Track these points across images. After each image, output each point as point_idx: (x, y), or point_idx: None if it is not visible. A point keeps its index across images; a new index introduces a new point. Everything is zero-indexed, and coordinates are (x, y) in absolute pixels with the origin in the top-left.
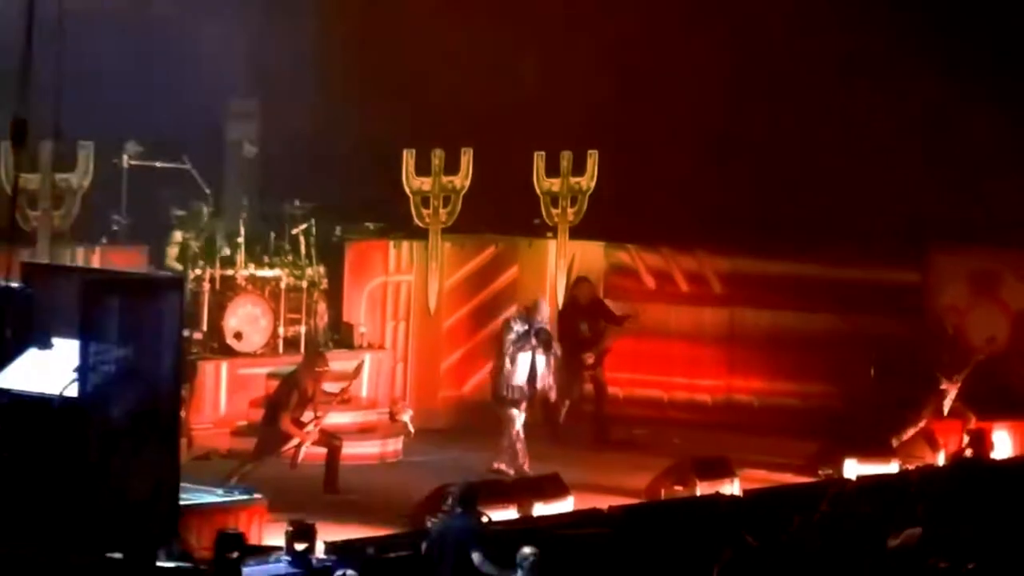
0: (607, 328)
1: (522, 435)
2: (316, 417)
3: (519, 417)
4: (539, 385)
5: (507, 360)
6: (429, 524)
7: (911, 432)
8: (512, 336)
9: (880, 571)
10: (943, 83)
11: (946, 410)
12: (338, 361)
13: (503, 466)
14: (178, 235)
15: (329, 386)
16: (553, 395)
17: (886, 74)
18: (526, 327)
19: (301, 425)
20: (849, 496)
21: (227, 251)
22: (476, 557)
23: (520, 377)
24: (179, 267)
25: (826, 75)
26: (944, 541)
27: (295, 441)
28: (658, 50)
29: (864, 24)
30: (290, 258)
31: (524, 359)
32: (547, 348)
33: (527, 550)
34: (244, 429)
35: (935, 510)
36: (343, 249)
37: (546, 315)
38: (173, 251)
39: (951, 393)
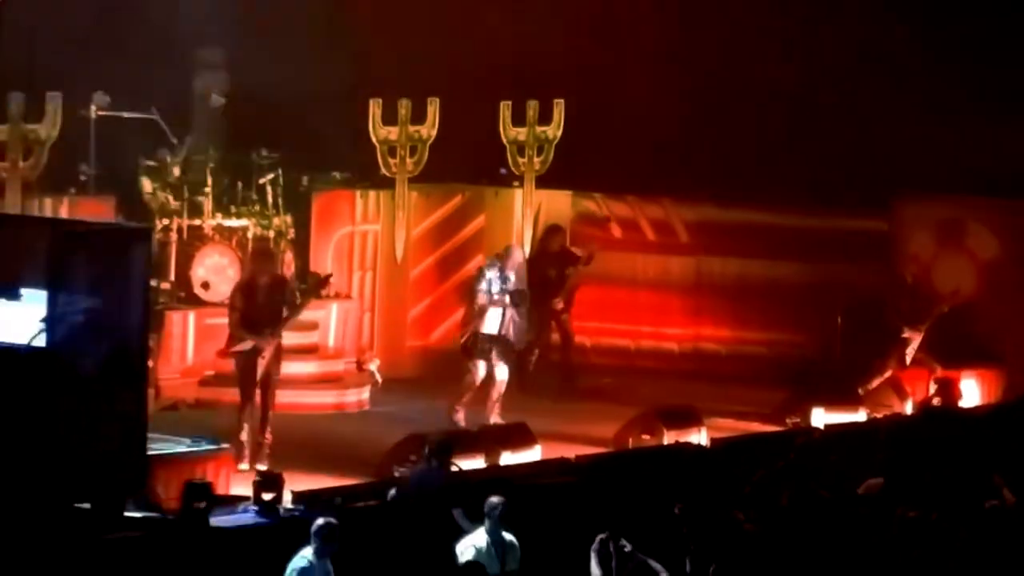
0: (572, 272)
1: (501, 389)
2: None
3: (482, 369)
4: (511, 339)
5: (478, 311)
6: (397, 473)
7: (877, 381)
8: (484, 286)
9: (847, 521)
10: (910, 31)
11: (909, 359)
12: (306, 311)
13: (460, 416)
14: (147, 184)
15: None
16: (520, 346)
17: (852, 22)
18: (499, 276)
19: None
20: (817, 445)
21: (195, 200)
22: (457, 513)
23: (490, 329)
24: (152, 206)
25: (791, 25)
26: (912, 490)
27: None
28: None
29: None
30: (257, 208)
31: (495, 313)
32: (518, 306)
33: (495, 499)
34: (211, 379)
35: (902, 459)
36: (310, 199)
37: (518, 261)
38: (146, 198)
39: (914, 342)
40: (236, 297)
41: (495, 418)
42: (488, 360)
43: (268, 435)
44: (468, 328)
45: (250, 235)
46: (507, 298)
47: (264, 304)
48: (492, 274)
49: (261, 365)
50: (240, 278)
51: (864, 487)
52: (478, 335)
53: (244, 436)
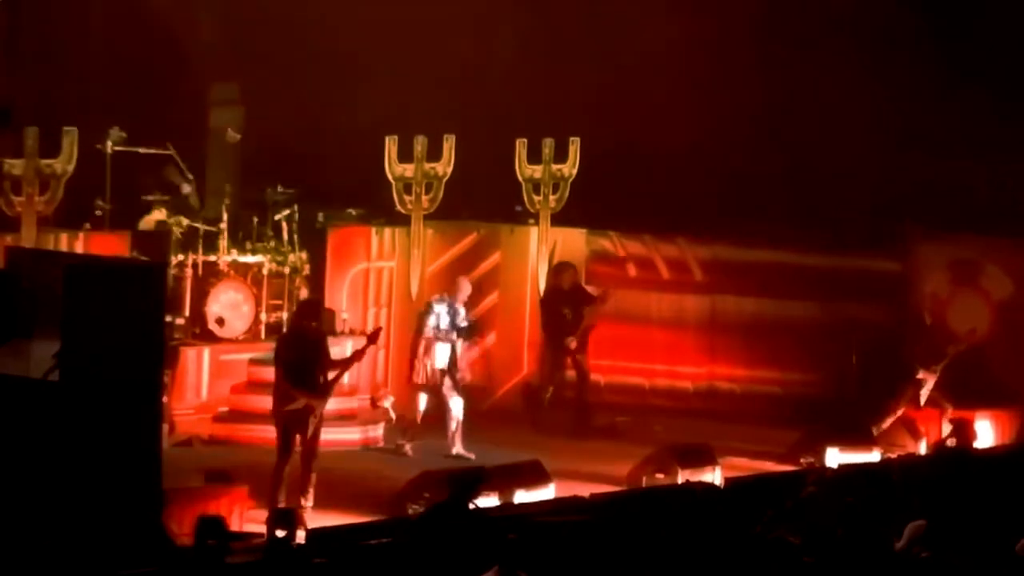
0: (588, 311)
1: (459, 419)
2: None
3: (423, 402)
4: (459, 373)
5: (424, 346)
6: (411, 511)
7: (890, 421)
8: (432, 321)
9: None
10: (925, 70)
11: (923, 400)
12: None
13: (407, 449)
14: (155, 214)
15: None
16: (468, 378)
17: (865, 61)
18: (448, 310)
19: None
20: (830, 484)
21: (210, 235)
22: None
23: (440, 363)
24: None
25: (804, 63)
26: (928, 531)
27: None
28: (640, 37)
29: (843, 12)
30: (272, 244)
31: (444, 348)
32: (469, 337)
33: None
34: (226, 415)
35: (920, 499)
36: (325, 235)
37: (466, 293)
38: (151, 220)
39: (929, 383)
40: (284, 352)
41: (458, 449)
42: (436, 393)
43: (310, 498)
44: (416, 362)
45: (265, 271)
46: (454, 334)
47: (312, 360)
48: (441, 309)
49: (312, 424)
50: (285, 332)
51: (907, 535)
52: (429, 370)
53: (281, 495)
